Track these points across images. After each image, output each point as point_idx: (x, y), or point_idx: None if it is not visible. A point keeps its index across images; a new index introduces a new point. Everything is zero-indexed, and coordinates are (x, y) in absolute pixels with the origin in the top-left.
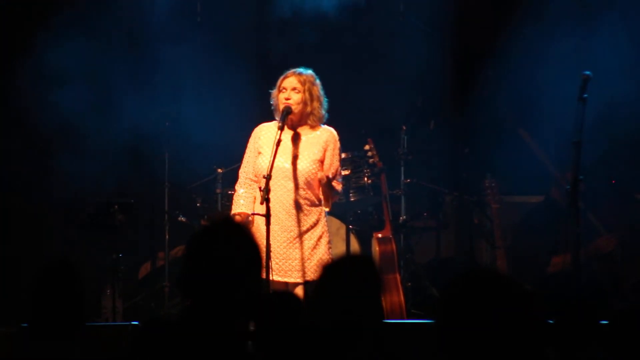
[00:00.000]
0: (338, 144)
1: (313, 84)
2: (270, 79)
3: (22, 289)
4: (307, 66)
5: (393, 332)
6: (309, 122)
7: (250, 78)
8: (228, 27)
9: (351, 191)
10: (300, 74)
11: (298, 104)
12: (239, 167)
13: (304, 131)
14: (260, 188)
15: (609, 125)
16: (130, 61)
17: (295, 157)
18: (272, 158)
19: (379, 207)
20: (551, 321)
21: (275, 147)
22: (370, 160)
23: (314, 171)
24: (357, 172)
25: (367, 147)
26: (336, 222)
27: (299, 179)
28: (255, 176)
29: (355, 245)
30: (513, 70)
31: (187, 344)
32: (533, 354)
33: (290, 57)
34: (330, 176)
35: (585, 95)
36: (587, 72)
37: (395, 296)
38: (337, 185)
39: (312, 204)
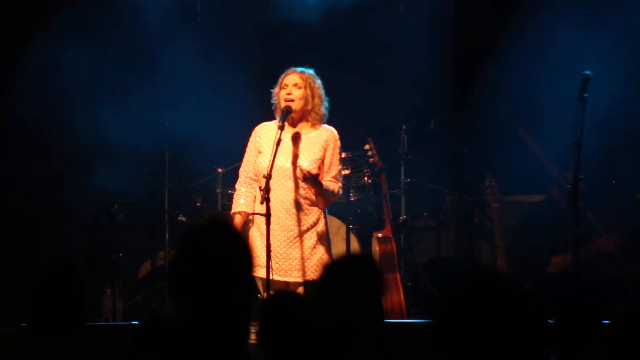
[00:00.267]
0: (338, 143)
1: (314, 81)
2: (271, 79)
3: (22, 289)
4: (307, 66)
5: (393, 332)
6: (310, 119)
7: (250, 78)
8: (228, 28)
9: (351, 191)
10: (302, 71)
11: (300, 99)
12: (239, 167)
13: (304, 130)
14: (260, 187)
15: (609, 125)
16: (130, 61)
17: (295, 157)
18: (272, 157)
19: (379, 206)
20: (551, 321)
21: (275, 146)
22: (371, 159)
23: (314, 170)
24: (357, 171)
25: (367, 146)
26: (336, 222)
27: (299, 178)
28: (256, 175)
29: (355, 245)
30: (513, 70)
31: (187, 344)
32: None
33: (290, 57)
34: (332, 175)
35: (586, 95)
36: (587, 72)
37: (395, 296)
38: (334, 184)
39: (313, 204)
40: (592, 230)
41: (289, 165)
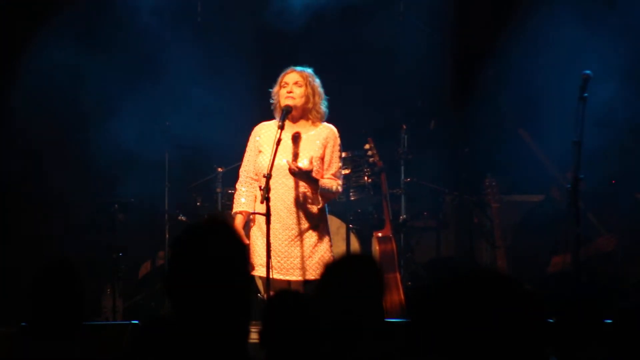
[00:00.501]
0: (338, 141)
1: (314, 80)
2: (270, 78)
3: (22, 289)
4: (307, 65)
5: (393, 331)
6: (311, 117)
7: (250, 78)
8: (228, 27)
9: (351, 190)
10: (301, 70)
11: (301, 97)
12: (239, 166)
13: (304, 129)
14: (260, 187)
15: (608, 125)
16: (129, 61)
17: (295, 155)
18: (272, 157)
19: (379, 206)
20: (551, 321)
21: (275, 146)
22: (371, 159)
23: (314, 169)
24: (357, 171)
25: (367, 146)
26: (336, 221)
27: (289, 173)
28: (256, 175)
29: (355, 245)
30: (513, 70)
31: (187, 344)
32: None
33: (291, 57)
34: (332, 172)
35: (586, 95)
36: (587, 72)
37: (395, 295)
38: (332, 182)
39: (314, 202)
40: (592, 230)
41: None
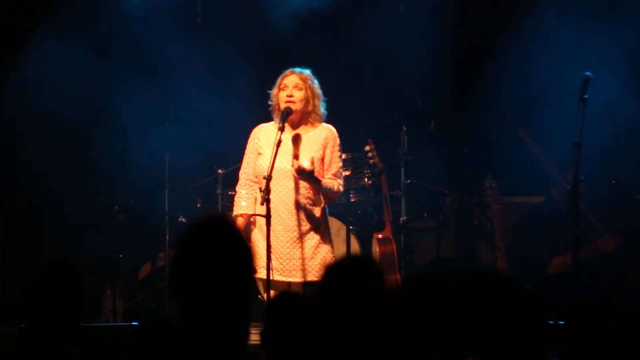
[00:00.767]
0: (338, 141)
1: (313, 82)
2: (270, 80)
3: (22, 289)
4: (307, 66)
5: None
6: (310, 119)
7: (250, 78)
8: (228, 27)
9: (351, 192)
10: (300, 72)
11: (301, 101)
12: (239, 168)
13: (304, 130)
14: (260, 189)
15: (609, 125)
16: (129, 61)
17: (295, 157)
18: (272, 159)
19: (379, 207)
20: (551, 321)
21: (275, 147)
22: (371, 160)
23: (316, 169)
24: (357, 172)
25: (367, 147)
26: (337, 223)
27: (292, 173)
28: (256, 177)
29: (355, 246)
30: (513, 70)
31: (187, 345)
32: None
33: (291, 57)
34: (332, 172)
35: (586, 96)
36: (588, 73)
37: None
38: (333, 181)
39: (314, 203)
40: (593, 231)
41: (289, 166)
